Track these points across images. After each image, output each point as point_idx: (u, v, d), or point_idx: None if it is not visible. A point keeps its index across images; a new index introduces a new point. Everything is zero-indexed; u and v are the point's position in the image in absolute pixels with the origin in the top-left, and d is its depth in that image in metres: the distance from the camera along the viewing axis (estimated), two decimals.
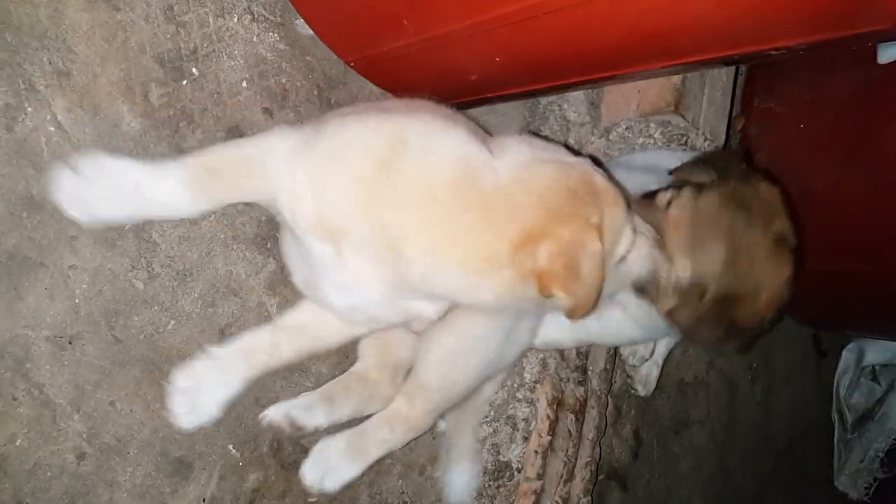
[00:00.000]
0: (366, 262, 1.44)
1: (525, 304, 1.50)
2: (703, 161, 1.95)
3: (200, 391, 1.62)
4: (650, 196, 1.82)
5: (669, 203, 1.77)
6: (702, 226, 1.71)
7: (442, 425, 2.13)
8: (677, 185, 1.81)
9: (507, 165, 1.39)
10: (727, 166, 1.85)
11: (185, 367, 1.61)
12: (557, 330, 2.08)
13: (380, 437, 1.87)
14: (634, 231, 1.51)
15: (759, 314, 1.71)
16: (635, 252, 1.53)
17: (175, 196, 1.51)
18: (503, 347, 1.90)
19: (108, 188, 1.48)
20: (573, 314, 1.40)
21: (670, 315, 1.78)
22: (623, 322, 2.01)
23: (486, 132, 1.75)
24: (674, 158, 2.06)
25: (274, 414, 1.75)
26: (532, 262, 1.32)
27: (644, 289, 1.77)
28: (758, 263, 1.69)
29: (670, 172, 1.97)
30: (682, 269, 1.71)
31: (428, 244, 1.37)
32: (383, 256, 1.41)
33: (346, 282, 1.49)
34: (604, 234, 1.38)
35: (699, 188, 1.76)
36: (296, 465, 1.84)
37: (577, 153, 1.53)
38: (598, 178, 1.43)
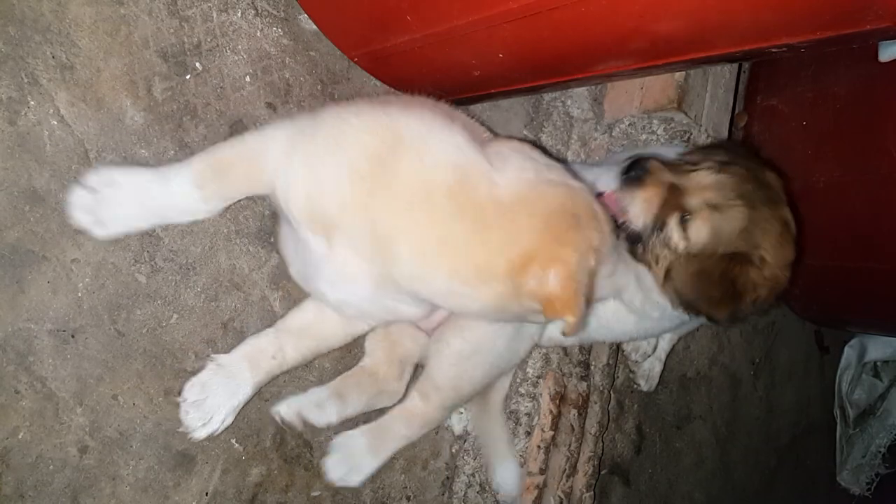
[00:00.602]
0: (355, 257, 1.43)
1: (507, 317, 1.53)
2: (714, 147, 2.01)
3: (210, 402, 1.61)
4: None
5: (695, 165, 1.80)
6: (726, 190, 1.74)
7: (453, 420, 2.20)
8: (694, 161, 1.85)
9: (509, 181, 1.38)
10: (738, 152, 1.91)
11: (193, 379, 1.60)
12: (555, 327, 2.08)
13: (398, 433, 1.93)
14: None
15: (759, 286, 1.74)
16: (612, 275, 1.55)
17: (187, 198, 1.53)
18: (513, 343, 1.94)
19: (120, 201, 1.49)
20: (572, 331, 1.40)
21: (667, 273, 1.80)
22: (618, 311, 2.02)
23: (488, 129, 1.76)
24: (674, 155, 2.08)
25: (286, 412, 1.76)
26: (535, 283, 1.31)
27: (639, 252, 1.82)
28: (768, 238, 1.73)
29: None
30: (696, 232, 1.74)
31: (417, 247, 1.36)
32: (371, 253, 1.41)
33: (336, 275, 1.49)
34: (599, 256, 1.41)
35: (721, 163, 1.80)
36: (298, 459, 1.85)
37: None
38: (596, 203, 1.47)
